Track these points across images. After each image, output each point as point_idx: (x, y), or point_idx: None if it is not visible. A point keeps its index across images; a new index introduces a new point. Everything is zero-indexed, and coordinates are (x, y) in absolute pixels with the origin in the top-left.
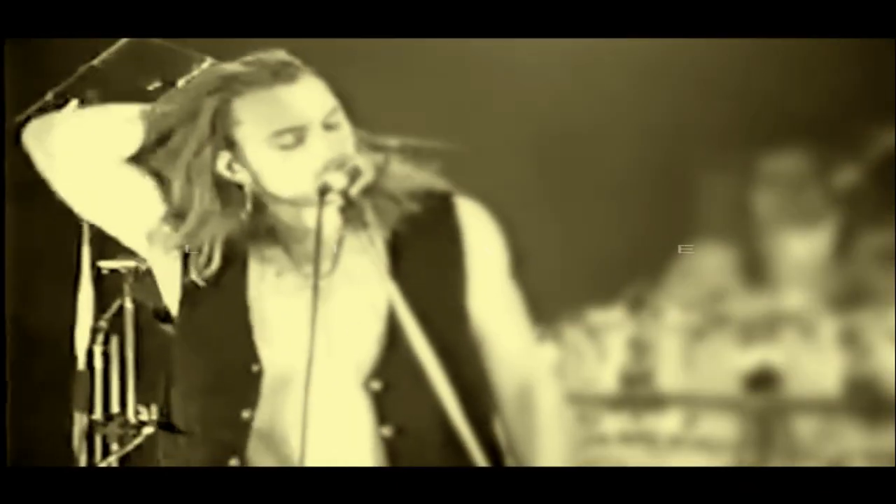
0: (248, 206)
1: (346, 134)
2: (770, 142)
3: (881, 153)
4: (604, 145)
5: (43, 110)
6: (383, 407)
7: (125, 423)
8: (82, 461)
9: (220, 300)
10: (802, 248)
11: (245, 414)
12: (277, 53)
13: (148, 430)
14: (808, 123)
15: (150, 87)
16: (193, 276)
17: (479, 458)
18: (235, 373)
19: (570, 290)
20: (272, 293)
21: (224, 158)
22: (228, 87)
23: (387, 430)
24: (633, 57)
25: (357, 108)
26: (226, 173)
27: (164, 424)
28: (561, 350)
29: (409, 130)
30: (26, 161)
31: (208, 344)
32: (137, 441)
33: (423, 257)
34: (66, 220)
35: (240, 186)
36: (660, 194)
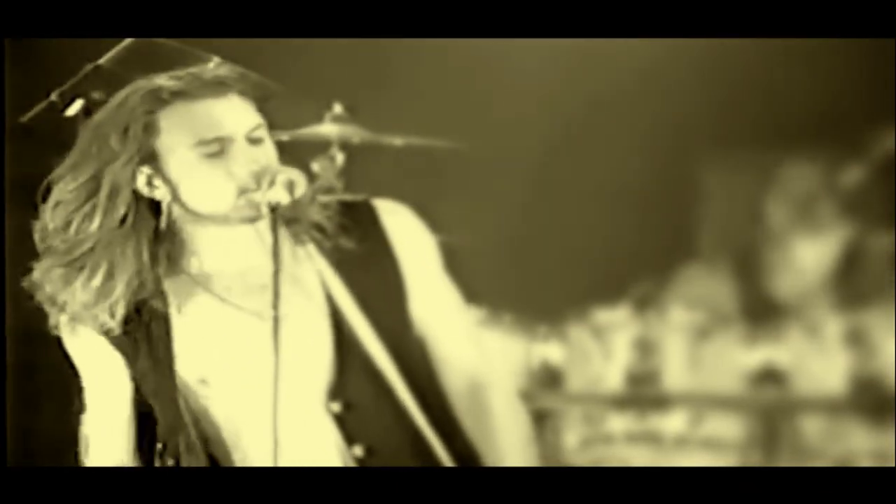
0: (164, 222)
1: (269, 149)
2: (775, 142)
3: (884, 154)
4: (610, 145)
5: (49, 110)
6: (349, 427)
7: None
8: (88, 462)
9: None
10: (808, 248)
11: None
12: (214, 69)
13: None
14: (814, 124)
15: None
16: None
17: (441, 452)
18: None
19: (576, 290)
20: (216, 342)
21: (143, 174)
22: (155, 99)
23: (358, 450)
24: (642, 57)
25: (361, 108)
26: (144, 190)
27: None
28: (566, 349)
29: (419, 131)
30: (26, 160)
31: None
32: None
33: (360, 270)
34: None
35: (157, 204)
36: (665, 194)
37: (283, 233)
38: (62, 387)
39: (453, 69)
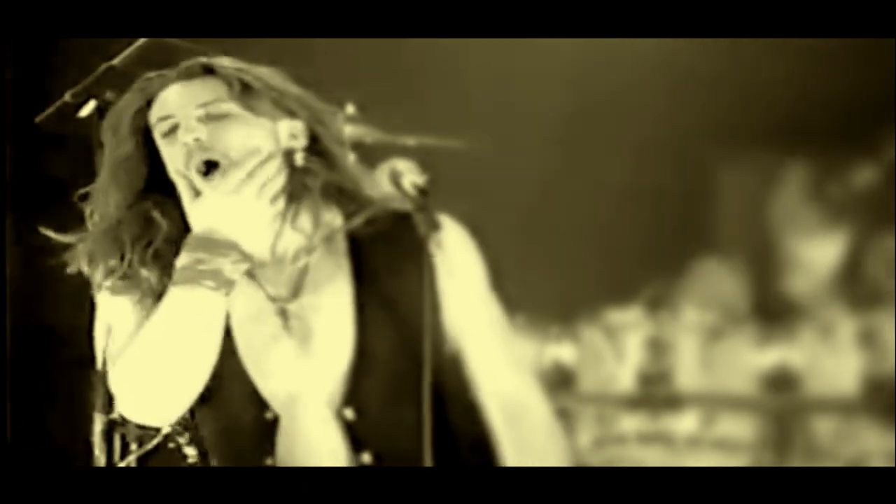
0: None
1: (236, 127)
2: (786, 141)
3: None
4: (622, 144)
5: (62, 111)
6: (359, 434)
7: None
8: (102, 461)
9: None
10: (821, 248)
11: (268, 461)
12: (206, 58)
13: (167, 430)
14: (825, 124)
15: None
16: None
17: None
18: (248, 422)
19: (588, 290)
20: (246, 322)
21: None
22: (160, 84)
23: (367, 457)
24: (654, 56)
25: (374, 108)
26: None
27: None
28: (579, 350)
29: (429, 130)
30: (29, 159)
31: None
32: (156, 441)
33: (397, 277)
34: (78, 220)
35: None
36: (677, 194)
37: (325, 220)
38: (64, 387)
39: (466, 69)
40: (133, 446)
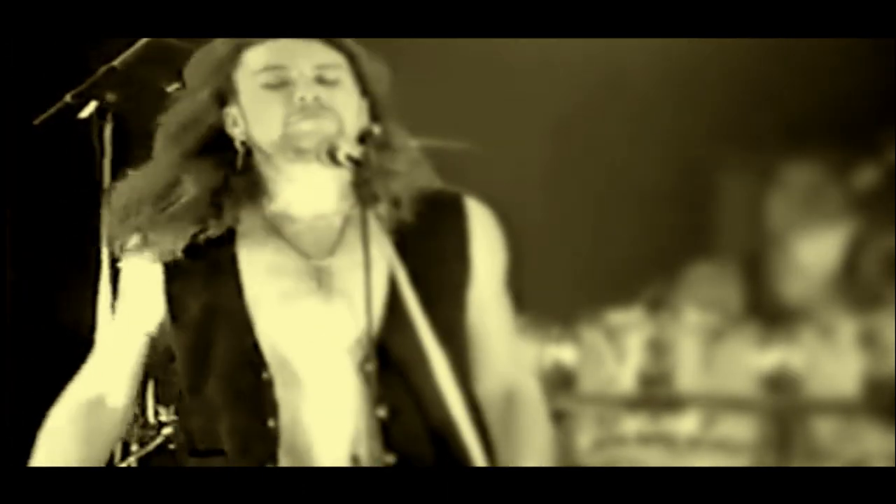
0: (239, 160)
1: (339, 94)
2: (787, 144)
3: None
4: (624, 147)
5: (63, 111)
6: (378, 388)
7: (145, 424)
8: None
9: (212, 300)
10: (821, 249)
11: (270, 423)
12: None
13: (167, 431)
14: (825, 125)
15: (170, 89)
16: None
17: (473, 443)
18: (248, 382)
19: (589, 291)
20: (269, 279)
21: (230, 115)
22: (244, 42)
23: (382, 412)
24: (654, 59)
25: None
26: (230, 130)
27: (194, 451)
28: (579, 351)
29: (431, 131)
30: (32, 160)
31: (210, 349)
32: (157, 441)
33: (428, 251)
34: (82, 220)
35: (242, 143)
36: (677, 195)
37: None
38: (64, 387)
39: (468, 70)
40: (133, 447)
